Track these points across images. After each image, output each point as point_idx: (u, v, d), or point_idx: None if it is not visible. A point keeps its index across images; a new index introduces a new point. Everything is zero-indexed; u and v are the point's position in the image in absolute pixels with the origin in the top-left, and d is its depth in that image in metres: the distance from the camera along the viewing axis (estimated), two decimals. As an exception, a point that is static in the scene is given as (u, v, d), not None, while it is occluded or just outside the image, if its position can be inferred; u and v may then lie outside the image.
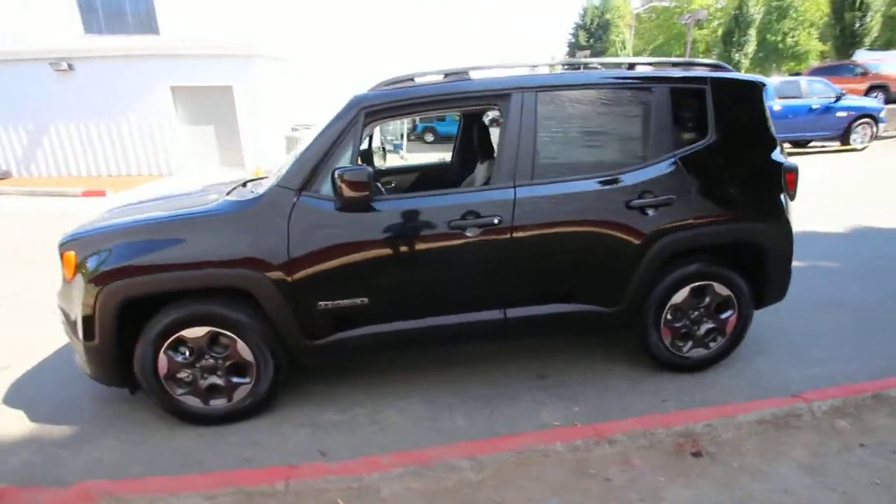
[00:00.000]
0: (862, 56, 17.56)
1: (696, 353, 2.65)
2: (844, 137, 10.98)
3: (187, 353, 2.22)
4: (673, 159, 2.37)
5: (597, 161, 2.39)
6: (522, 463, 1.95)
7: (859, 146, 10.97)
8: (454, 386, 2.64)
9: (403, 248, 2.21)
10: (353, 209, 2.15)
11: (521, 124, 2.25)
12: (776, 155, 2.52)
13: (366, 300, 2.25)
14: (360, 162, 2.24)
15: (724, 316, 2.60)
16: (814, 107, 10.72)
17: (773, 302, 2.70)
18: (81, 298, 2.13)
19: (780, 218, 2.50)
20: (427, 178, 3.80)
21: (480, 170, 3.35)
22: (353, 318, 2.28)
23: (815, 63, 21.00)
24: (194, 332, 2.18)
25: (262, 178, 2.94)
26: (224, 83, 12.31)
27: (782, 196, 2.51)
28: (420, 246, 2.22)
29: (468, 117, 3.61)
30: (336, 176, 2.03)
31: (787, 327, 3.14)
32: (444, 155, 13.12)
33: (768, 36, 30.92)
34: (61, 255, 2.24)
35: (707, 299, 2.56)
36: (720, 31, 31.07)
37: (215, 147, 13.06)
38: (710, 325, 2.60)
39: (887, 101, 13.52)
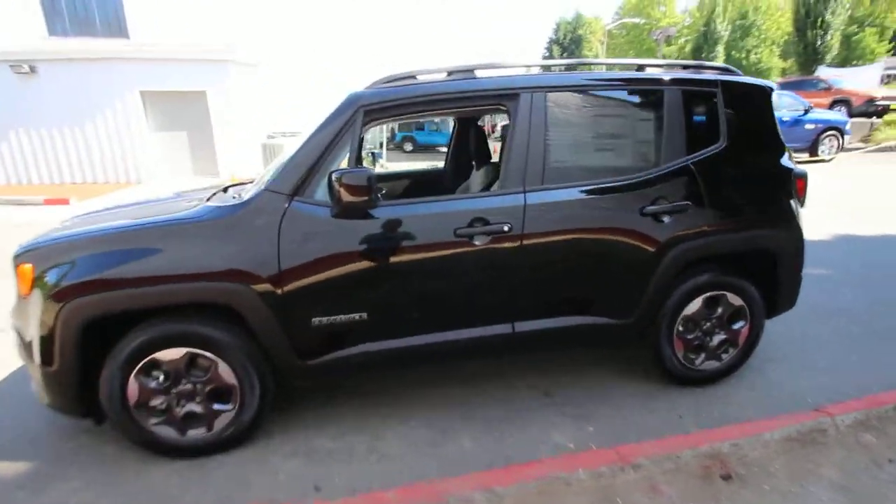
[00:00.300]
0: (824, 72, 18.39)
1: (709, 366, 2.54)
2: (813, 149, 11.37)
3: (162, 378, 1.97)
4: (686, 164, 2.27)
5: (608, 165, 2.27)
6: (544, 492, 1.78)
7: (827, 157, 11.37)
8: (458, 406, 2.45)
9: (405, 259, 2.03)
10: (351, 216, 1.96)
11: (531, 126, 2.12)
12: (785, 160, 2.46)
13: (364, 315, 2.05)
14: (358, 164, 2.06)
15: (736, 327, 2.51)
16: (784, 119, 11.06)
17: (785, 311, 2.62)
18: (39, 317, 1.86)
19: (792, 225, 2.43)
20: (419, 184, 3.63)
21: (476, 176, 3.21)
22: (350, 335, 2.08)
23: (778, 79, 21.86)
24: (170, 354, 1.94)
25: (244, 184, 2.72)
26: (197, 88, 11.92)
27: (793, 202, 2.45)
28: (424, 255, 2.05)
29: (463, 122, 3.47)
30: (334, 179, 1.84)
31: (788, 335, 3.09)
32: (425, 164, 13.02)
33: (733, 53, 32.20)
34: (16, 268, 1.96)
35: (720, 310, 2.46)
36: (688, 48, 32.22)
37: (188, 154, 12.61)
38: (722, 337, 2.50)
39: (850, 115, 14.13)
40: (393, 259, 2.02)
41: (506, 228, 2.06)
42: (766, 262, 2.45)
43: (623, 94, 2.25)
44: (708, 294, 2.41)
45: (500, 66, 2.28)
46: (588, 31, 41.28)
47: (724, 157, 2.32)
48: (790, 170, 2.44)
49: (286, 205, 1.95)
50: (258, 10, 13.53)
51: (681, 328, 2.44)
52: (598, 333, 2.34)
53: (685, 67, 2.42)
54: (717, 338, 2.50)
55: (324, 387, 2.61)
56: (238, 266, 1.90)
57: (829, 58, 21.02)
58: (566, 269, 2.21)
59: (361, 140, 3.28)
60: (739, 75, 2.46)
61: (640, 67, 2.35)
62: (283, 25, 13.99)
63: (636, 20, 35.35)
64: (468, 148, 3.40)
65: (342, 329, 2.05)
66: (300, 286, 1.96)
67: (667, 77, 2.29)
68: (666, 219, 2.22)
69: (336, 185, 1.84)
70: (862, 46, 28.03)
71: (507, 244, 2.09)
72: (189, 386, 1.99)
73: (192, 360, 1.97)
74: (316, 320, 2.01)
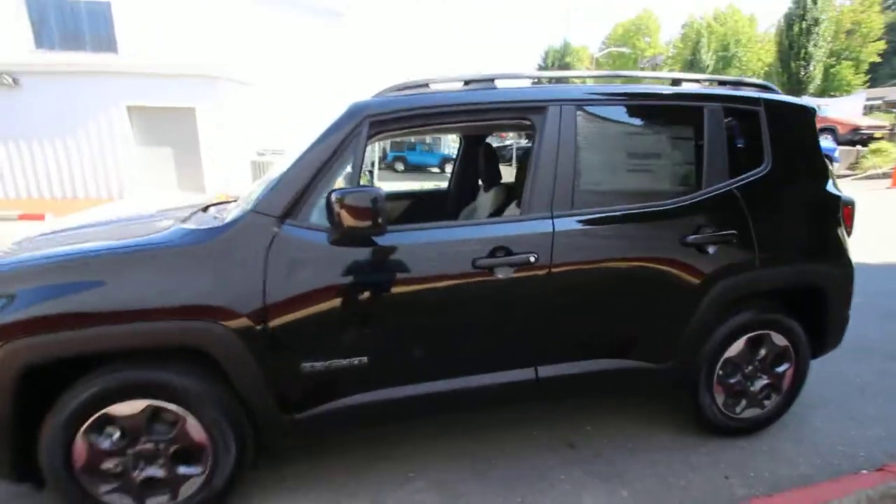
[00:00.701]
0: (809, 102, 18.81)
1: (750, 414, 2.26)
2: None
3: (116, 436, 1.62)
4: (729, 189, 2.03)
5: (645, 188, 2.02)
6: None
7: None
8: (468, 461, 2.12)
9: (416, 293, 1.73)
10: (352, 243, 1.66)
11: (560, 142, 1.86)
12: (831, 187, 2.24)
13: (365, 359, 1.73)
14: (362, 182, 1.77)
15: (780, 370, 2.24)
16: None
17: (830, 350, 2.36)
18: (-35, 362, 1.51)
19: (843, 257, 2.19)
20: (421, 206, 3.35)
21: (485, 199, 2.95)
22: (347, 383, 1.76)
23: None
24: (127, 408, 1.59)
25: (228, 202, 2.41)
26: (186, 104, 11.66)
27: (841, 232, 2.21)
28: (437, 290, 1.75)
29: (471, 139, 3.22)
30: (333, 200, 1.54)
31: (823, 374, 2.81)
32: (417, 184, 12.85)
33: (718, 82, 33.02)
34: (-58, 301, 1.62)
35: (763, 351, 2.19)
36: (674, 77, 32.95)
37: (173, 170, 12.27)
38: (765, 381, 2.23)
39: (837, 143, 14.38)
40: (401, 294, 1.72)
41: (532, 259, 1.78)
42: (814, 298, 2.20)
43: (661, 110, 2.01)
44: (751, 334, 2.14)
45: (524, 77, 2.03)
46: (576, 58, 42.17)
47: (770, 182, 2.08)
48: (838, 196, 2.21)
49: (275, 229, 1.64)
50: (254, 28, 13.40)
51: (721, 372, 2.16)
52: (632, 379, 2.05)
53: (723, 83, 2.21)
54: (760, 382, 2.22)
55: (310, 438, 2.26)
56: (213, 301, 1.58)
57: (811, 88, 21.60)
58: (598, 305, 1.93)
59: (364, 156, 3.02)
60: (779, 93, 2.25)
61: (676, 82, 2.12)
62: (279, 44, 13.86)
63: (622, 49, 36.23)
64: (476, 167, 3.14)
65: (338, 376, 1.73)
66: (289, 325, 1.64)
67: (707, 93, 2.06)
68: (710, 249, 1.96)
69: (336, 207, 1.54)
70: (839, 78, 28.98)
71: (532, 277, 1.80)
72: (150, 446, 1.64)
73: (154, 414, 1.63)
74: (307, 365, 1.68)
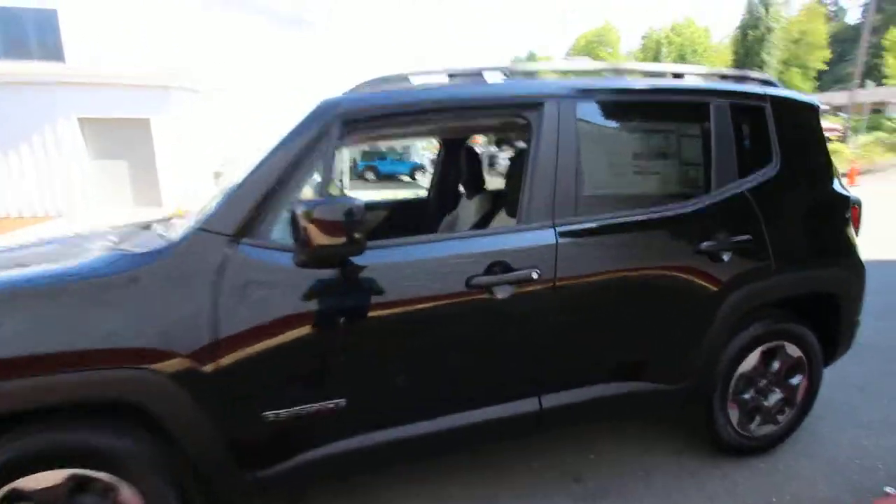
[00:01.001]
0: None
1: (765, 431, 2.09)
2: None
3: (30, 515, 1.29)
4: (739, 190, 1.86)
5: (652, 192, 1.84)
6: None
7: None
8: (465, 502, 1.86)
9: (403, 320, 1.48)
10: (324, 264, 1.39)
11: (560, 142, 1.64)
12: (838, 186, 2.11)
13: (343, 401, 1.46)
14: (335, 192, 1.51)
15: (793, 382, 2.08)
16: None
17: (841, 357, 2.23)
18: None
19: (855, 259, 2.07)
20: (399, 217, 3.09)
21: (468, 207, 2.72)
22: (323, 431, 1.48)
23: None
24: (43, 479, 1.27)
25: (176, 219, 2.09)
26: (140, 115, 11.07)
27: (851, 233, 2.09)
28: (426, 315, 1.50)
29: (450, 143, 3.00)
30: (300, 214, 1.27)
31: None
32: (391, 193, 12.52)
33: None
34: None
35: (777, 363, 2.03)
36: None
37: (128, 184, 11.60)
38: (779, 396, 2.07)
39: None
40: (385, 321, 1.46)
41: (534, 275, 1.55)
42: (827, 304, 2.06)
43: (666, 106, 1.83)
44: (765, 346, 1.98)
45: (514, 71, 1.82)
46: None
47: (780, 183, 1.93)
48: (847, 196, 2.09)
49: (228, 250, 1.36)
50: (218, 36, 12.86)
51: (735, 388, 1.99)
52: (644, 403, 1.85)
53: (725, 77, 2.05)
54: (774, 397, 2.06)
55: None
56: (144, 342, 1.28)
57: (766, 94, 22.51)
58: (608, 323, 1.72)
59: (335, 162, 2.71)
60: (783, 88, 2.12)
61: (678, 75, 1.95)
62: (248, 51, 13.33)
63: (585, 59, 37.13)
64: (457, 173, 2.92)
65: (311, 422, 1.44)
66: (247, 365, 1.35)
67: (714, 88, 1.90)
68: (725, 257, 1.79)
69: (303, 222, 1.27)
70: (790, 85, 30.50)
71: (535, 295, 1.57)
72: (74, 524, 1.32)
73: (78, 485, 1.30)
74: (271, 413, 1.39)
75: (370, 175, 20.57)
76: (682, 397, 1.88)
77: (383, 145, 20.86)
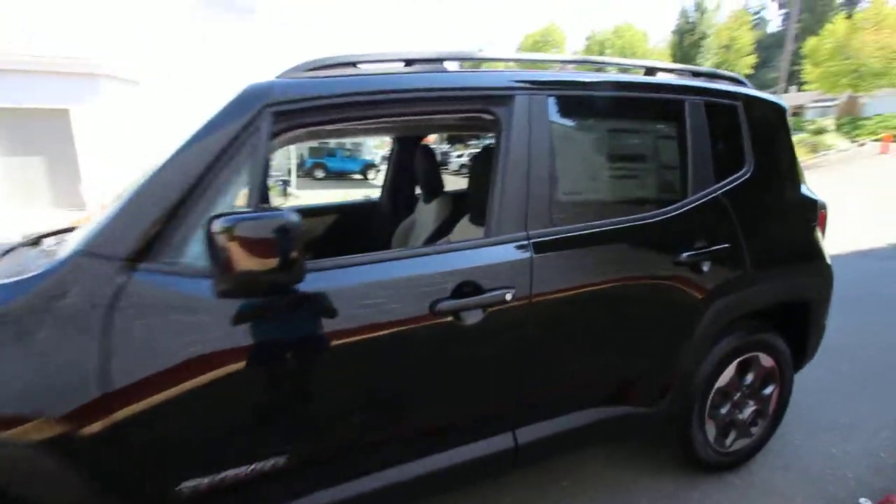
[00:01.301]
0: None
1: (740, 445, 2.02)
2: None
3: None
4: (716, 195, 1.75)
5: (629, 196, 1.69)
6: None
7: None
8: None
9: (353, 356, 1.22)
10: (253, 293, 1.11)
11: (532, 141, 1.44)
12: (806, 190, 2.06)
13: (282, 460, 1.19)
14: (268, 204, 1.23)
15: (766, 392, 2.02)
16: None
17: (808, 362, 2.20)
18: None
19: (824, 265, 2.02)
20: (347, 223, 2.81)
21: (426, 212, 2.49)
22: (258, 497, 1.20)
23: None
24: None
25: (82, 227, 1.71)
26: (57, 105, 9.97)
27: (820, 238, 2.04)
28: (382, 349, 1.25)
29: (405, 140, 2.75)
30: (217, 230, 0.99)
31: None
32: (342, 193, 11.98)
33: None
34: None
35: (751, 375, 1.95)
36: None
37: (45, 183, 10.44)
38: (753, 408, 1.99)
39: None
40: (333, 359, 1.20)
41: (508, 297, 1.34)
42: (799, 311, 2.01)
43: (643, 104, 1.67)
44: (741, 358, 1.90)
45: (479, 58, 1.59)
46: (490, 67, 43.28)
47: (753, 186, 1.84)
48: (815, 200, 2.04)
49: (121, 278, 1.05)
50: (151, 21, 11.77)
51: (712, 404, 1.89)
52: (624, 428, 1.70)
53: (696, 74, 1.94)
54: (748, 409, 1.99)
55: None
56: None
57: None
58: (588, 345, 1.55)
59: (267, 162, 2.35)
60: (751, 87, 2.03)
61: (651, 71, 1.81)
62: (187, 39, 12.30)
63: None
64: (412, 174, 2.68)
65: (243, 489, 1.16)
66: (152, 424, 1.06)
67: (689, 85, 1.77)
68: (705, 266, 1.66)
69: (221, 242, 0.99)
70: (721, 89, 32.41)
71: (508, 318, 1.37)
72: None
73: None
74: (188, 484, 1.10)
75: (319, 173, 19.82)
76: (663, 418, 1.74)
77: (327, 142, 20.17)
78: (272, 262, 1.01)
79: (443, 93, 1.39)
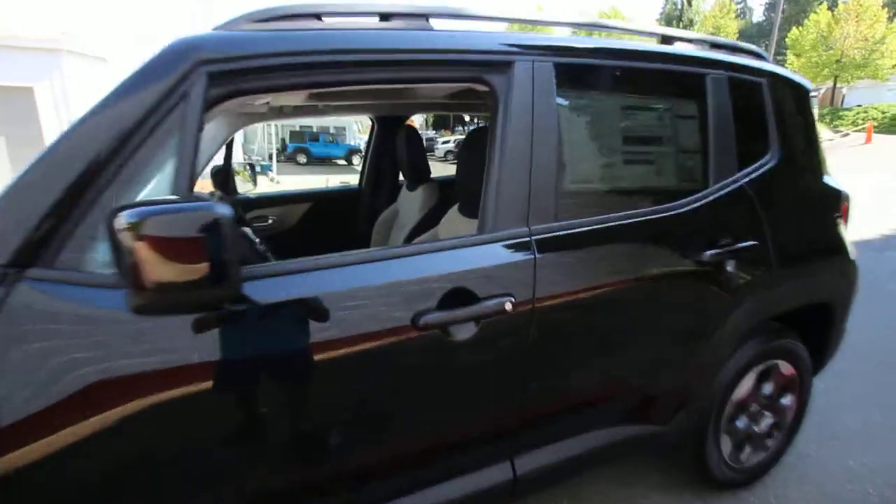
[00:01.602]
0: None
1: (755, 460, 1.84)
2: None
3: None
4: (740, 185, 1.53)
5: (645, 186, 1.45)
6: None
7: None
8: None
9: (314, 382, 0.98)
10: (174, 310, 0.85)
11: (535, 117, 1.20)
12: (829, 179, 1.86)
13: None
14: (211, 189, 0.97)
15: (785, 402, 1.84)
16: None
17: (824, 367, 2.03)
18: None
19: (849, 263, 1.83)
20: (326, 212, 2.54)
21: (410, 200, 2.25)
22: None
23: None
24: None
25: None
26: (20, 83, 9.36)
27: (844, 232, 1.85)
28: (353, 371, 1.01)
29: (386, 121, 2.48)
30: (122, 226, 0.73)
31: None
32: (323, 178, 11.59)
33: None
34: None
35: (770, 385, 1.77)
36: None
37: (7, 165, 9.83)
38: (770, 420, 1.81)
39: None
40: (291, 384, 0.96)
41: (508, 306, 1.10)
42: (821, 314, 1.82)
43: (661, 77, 1.43)
44: (761, 367, 1.70)
45: (473, 16, 1.31)
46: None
47: (778, 176, 1.63)
48: (838, 192, 1.84)
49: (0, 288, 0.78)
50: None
51: (728, 417, 1.70)
52: (631, 449, 1.50)
53: (715, 46, 1.70)
54: (765, 422, 1.80)
55: None
56: None
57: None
58: (598, 357, 1.33)
59: (230, 146, 2.03)
60: (775, 64, 1.81)
61: (667, 39, 1.57)
62: (160, 13, 11.61)
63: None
64: (394, 159, 2.42)
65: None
66: (48, 472, 0.80)
67: (711, 58, 1.54)
68: (730, 266, 1.45)
69: (127, 242, 0.73)
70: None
71: (508, 330, 1.14)
72: None
73: None
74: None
75: (302, 158, 19.26)
76: (677, 435, 1.55)
77: (310, 126, 19.64)
78: (196, 271, 0.75)
79: (427, 55, 1.13)
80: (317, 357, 0.96)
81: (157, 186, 0.90)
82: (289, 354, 0.95)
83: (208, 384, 0.88)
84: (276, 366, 0.94)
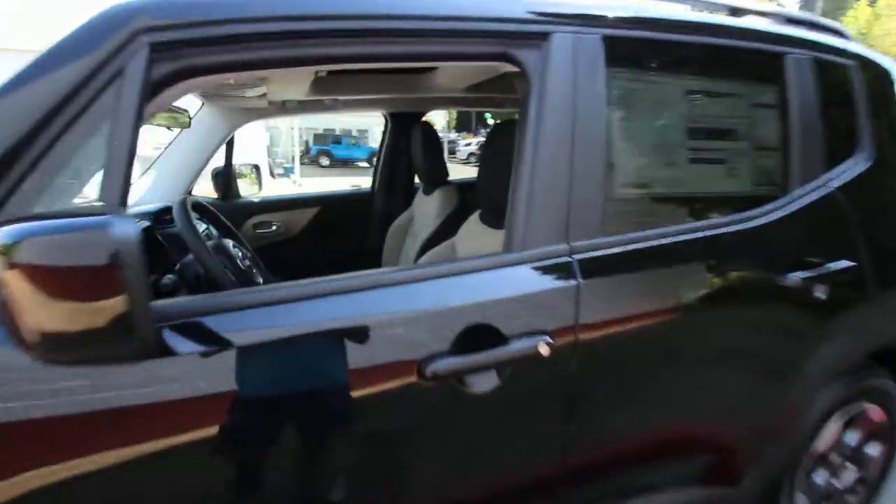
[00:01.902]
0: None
1: (833, 521, 1.53)
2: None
3: None
4: (829, 190, 1.24)
5: (715, 192, 1.18)
6: None
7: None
8: None
9: (281, 456, 0.75)
10: (75, 361, 0.62)
11: (577, 106, 0.94)
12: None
13: None
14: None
15: (871, 453, 1.52)
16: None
17: None
18: None
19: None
20: (334, 217, 2.33)
21: (426, 204, 2.03)
22: None
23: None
24: None
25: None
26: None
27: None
28: (336, 431, 0.78)
29: (401, 118, 2.25)
30: None
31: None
32: (345, 181, 11.50)
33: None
34: None
35: (856, 433, 1.46)
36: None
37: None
38: (855, 475, 1.50)
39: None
40: (258, 450, 0.73)
41: (543, 348, 0.85)
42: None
43: (736, 56, 1.15)
44: (847, 411, 1.40)
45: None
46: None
47: (873, 180, 1.32)
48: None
49: None
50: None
51: (806, 472, 1.40)
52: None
53: (792, 21, 1.41)
54: (849, 476, 1.49)
55: None
56: None
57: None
58: (656, 410, 1.07)
59: (230, 145, 1.81)
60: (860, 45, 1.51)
61: (735, 11, 1.29)
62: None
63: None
64: (409, 160, 2.19)
65: None
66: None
67: (793, 36, 1.25)
68: (818, 292, 1.16)
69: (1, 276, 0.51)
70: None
71: (543, 378, 0.88)
72: None
73: None
74: None
75: (324, 160, 19.39)
76: (748, 497, 1.26)
77: (332, 129, 19.83)
78: (93, 315, 0.52)
79: (435, 23, 0.88)
80: (282, 420, 0.73)
81: (81, 190, 0.69)
82: (251, 400, 0.71)
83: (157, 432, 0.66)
84: (249, 419, 0.71)
